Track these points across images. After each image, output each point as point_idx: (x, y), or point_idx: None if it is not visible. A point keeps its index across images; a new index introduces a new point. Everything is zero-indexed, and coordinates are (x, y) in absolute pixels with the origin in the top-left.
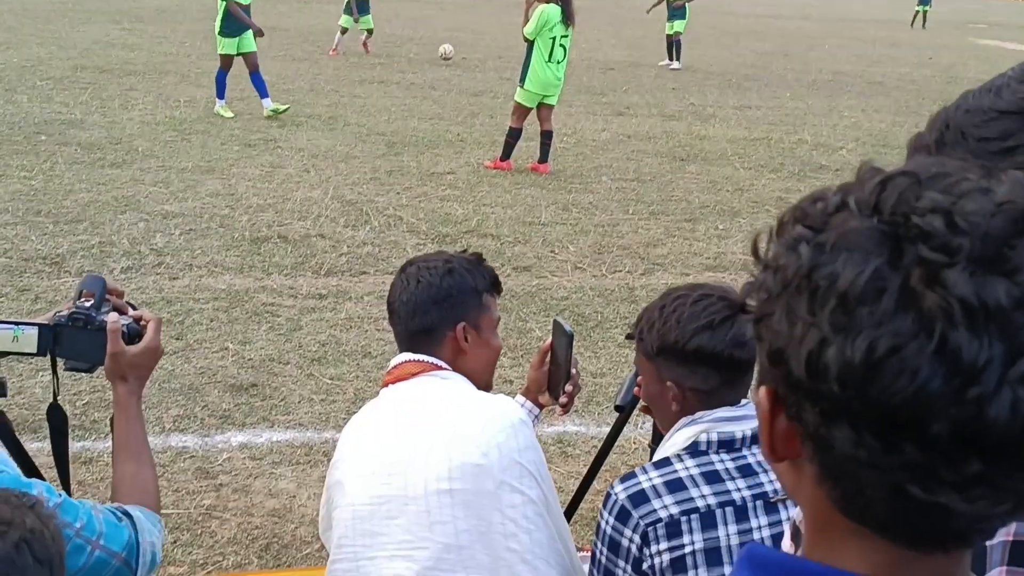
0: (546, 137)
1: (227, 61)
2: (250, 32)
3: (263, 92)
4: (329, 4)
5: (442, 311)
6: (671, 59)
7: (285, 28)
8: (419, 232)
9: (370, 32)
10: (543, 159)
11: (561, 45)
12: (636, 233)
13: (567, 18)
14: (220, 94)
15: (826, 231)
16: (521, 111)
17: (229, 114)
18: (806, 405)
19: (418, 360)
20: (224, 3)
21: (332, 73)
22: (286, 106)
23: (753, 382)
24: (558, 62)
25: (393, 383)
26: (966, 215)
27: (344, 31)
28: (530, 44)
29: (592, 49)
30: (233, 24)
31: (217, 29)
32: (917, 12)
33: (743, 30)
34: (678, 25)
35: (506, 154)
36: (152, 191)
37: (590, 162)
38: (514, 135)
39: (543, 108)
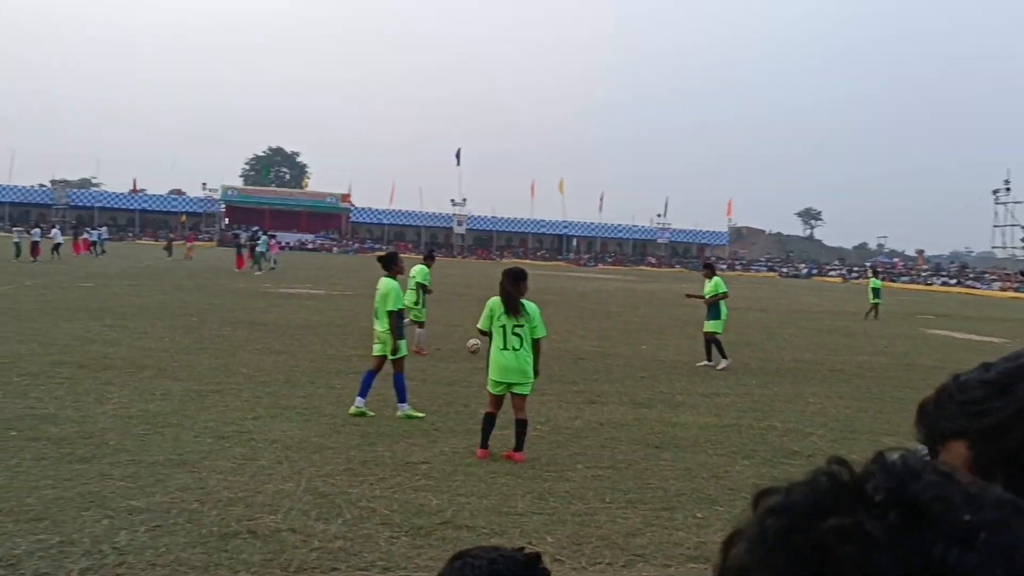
0: (519, 426)
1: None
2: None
3: (402, 396)
4: (308, 300)
5: None
6: (709, 358)
7: (263, 323)
8: (392, 524)
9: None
10: (518, 447)
11: (515, 334)
12: (614, 523)
13: (509, 309)
14: (401, 398)
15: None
16: (490, 397)
17: (420, 415)
18: None
19: None
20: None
21: (309, 365)
22: (422, 414)
23: None
24: (514, 349)
25: None
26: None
27: (421, 324)
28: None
29: (562, 340)
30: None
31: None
32: (874, 305)
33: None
34: (714, 324)
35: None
36: (120, 486)
37: (565, 449)
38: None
39: (515, 397)
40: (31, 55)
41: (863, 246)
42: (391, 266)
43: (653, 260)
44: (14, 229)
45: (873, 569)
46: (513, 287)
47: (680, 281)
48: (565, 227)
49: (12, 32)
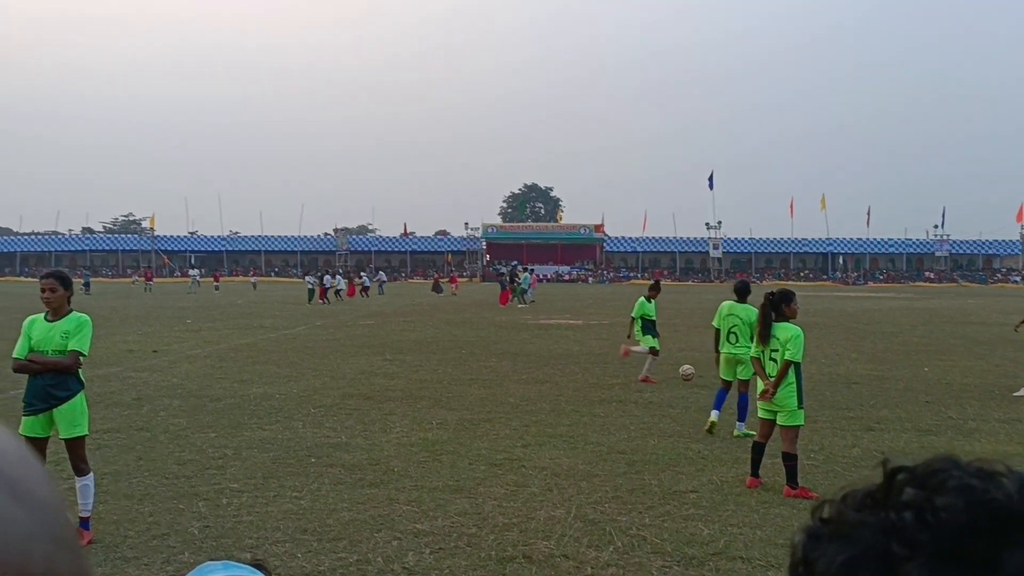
0: (784, 459)
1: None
2: None
3: (742, 415)
4: (567, 331)
5: None
6: None
7: (527, 353)
8: (664, 553)
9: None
10: (788, 481)
11: (772, 359)
12: None
13: (762, 335)
14: (741, 416)
15: (828, 524)
16: (759, 424)
17: (752, 433)
18: None
19: None
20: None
21: (572, 394)
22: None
23: None
24: (771, 377)
25: None
26: (936, 510)
27: (655, 351)
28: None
29: (832, 364)
30: None
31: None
32: None
33: (996, 338)
34: None
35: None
36: (405, 510)
37: (842, 479)
38: (791, 459)
39: (781, 428)
40: (314, 117)
41: None
42: (744, 295)
43: (931, 275)
44: (306, 277)
45: None
46: (773, 310)
47: (965, 296)
48: (829, 245)
49: (297, 100)
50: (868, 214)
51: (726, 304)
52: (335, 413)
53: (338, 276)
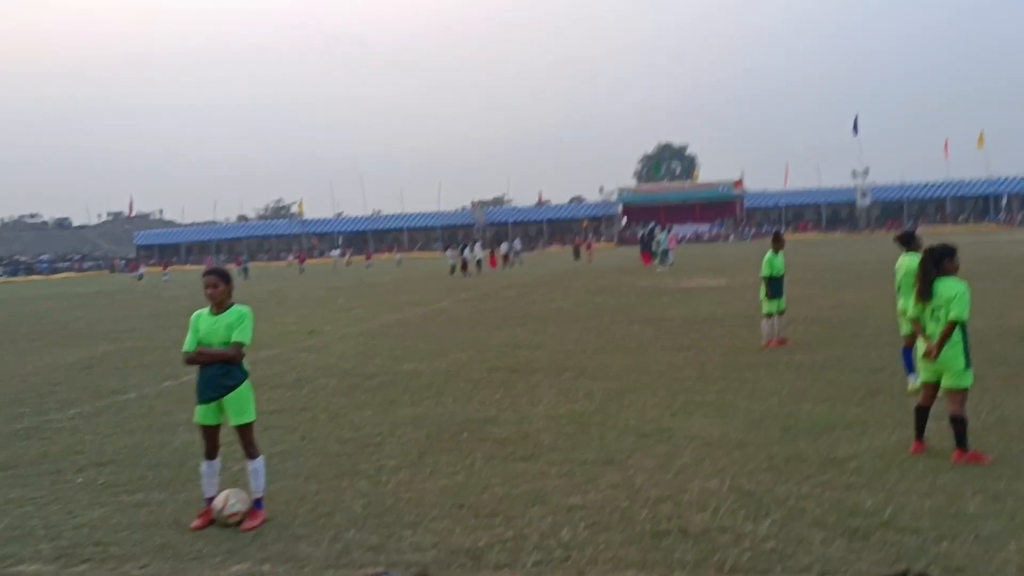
0: (952, 423)
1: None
2: None
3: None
4: (710, 293)
5: None
6: None
7: (670, 318)
8: (825, 525)
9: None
10: (959, 445)
11: (934, 318)
12: None
13: (922, 293)
14: (910, 367)
15: None
16: (922, 388)
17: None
18: None
19: None
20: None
21: (720, 359)
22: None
23: None
24: (933, 338)
25: None
26: None
27: (769, 316)
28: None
29: (1001, 316)
30: None
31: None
32: None
33: None
34: None
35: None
36: (557, 484)
37: (1020, 443)
38: (960, 423)
39: (947, 391)
40: (448, 97)
41: None
42: (910, 244)
43: None
44: (447, 251)
45: None
46: (934, 266)
47: None
48: (990, 186)
49: (428, 77)
50: None
51: (905, 259)
52: (483, 387)
53: (477, 246)
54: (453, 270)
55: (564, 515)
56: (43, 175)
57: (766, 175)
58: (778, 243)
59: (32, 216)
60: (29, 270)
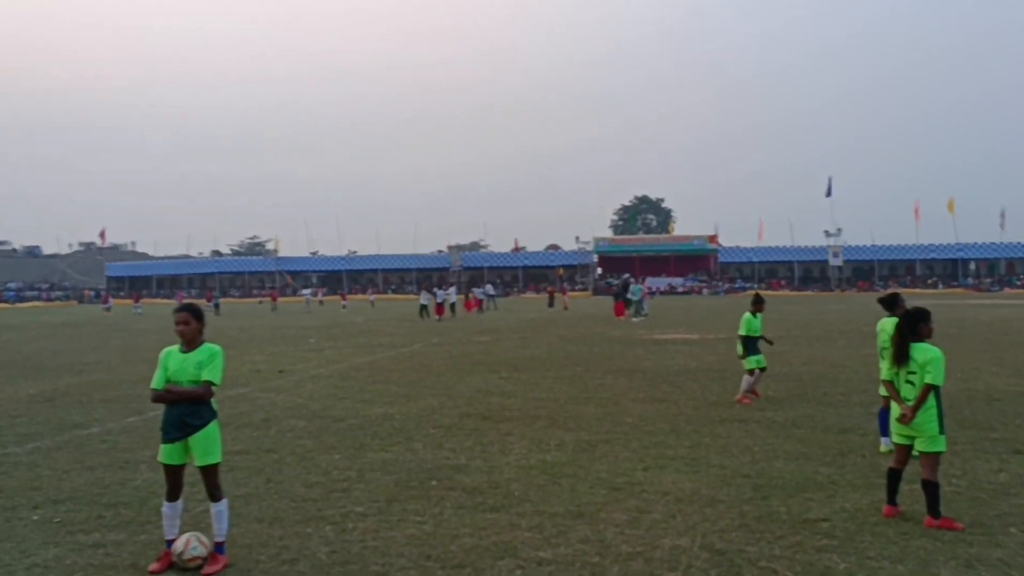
0: (924, 487)
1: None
2: None
3: (883, 431)
4: (683, 345)
5: None
6: None
7: (643, 370)
8: None
9: (760, 370)
10: (930, 511)
11: (908, 382)
12: None
13: (899, 357)
14: (883, 431)
15: None
16: (894, 449)
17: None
18: None
19: None
20: None
21: (692, 412)
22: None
23: None
24: (907, 401)
25: None
26: None
27: (751, 372)
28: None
29: (970, 378)
30: None
31: None
32: None
33: None
34: None
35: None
36: (527, 536)
37: (990, 509)
38: (932, 487)
39: (921, 454)
40: (427, 140)
41: None
42: (893, 307)
43: None
44: (422, 294)
45: None
46: (909, 330)
47: None
48: (959, 250)
49: (410, 121)
50: (1003, 216)
51: (887, 321)
52: (454, 434)
53: (452, 290)
54: (422, 312)
55: (534, 569)
56: (13, 202)
57: (740, 231)
58: (758, 305)
59: (1, 243)
60: None
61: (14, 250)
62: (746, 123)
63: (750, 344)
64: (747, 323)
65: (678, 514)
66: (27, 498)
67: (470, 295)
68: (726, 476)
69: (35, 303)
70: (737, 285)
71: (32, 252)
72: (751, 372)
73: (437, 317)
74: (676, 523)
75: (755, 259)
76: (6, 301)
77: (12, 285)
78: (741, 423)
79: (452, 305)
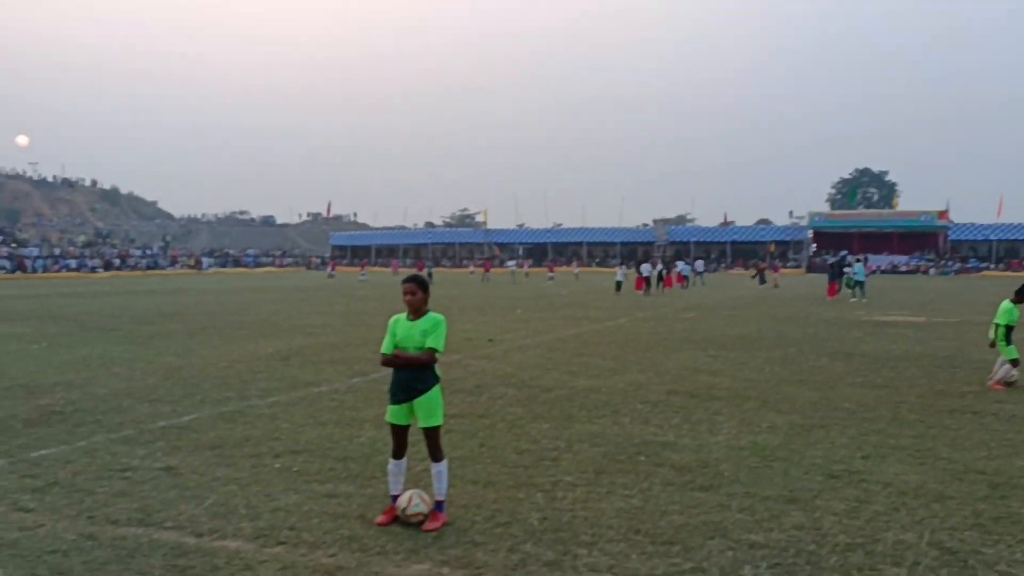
0: None
1: None
2: None
3: None
4: (906, 329)
5: None
6: None
7: (861, 353)
8: None
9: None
10: None
11: None
12: None
13: None
14: None
15: None
16: None
17: None
18: None
19: None
20: None
21: (916, 401)
22: None
23: None
24: None
25: None
26: None
27: (1015, 363)
28: None
29: None
30: None
31: None
32: None
33: None
34: None
35: None
36: (738, 518)
37: None
38: None
39: None
40: (635, 117)
41: None
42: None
43: None
44: (619, 267)
45: None
46: None
47: None
48: None
49: (610, 101)
50: None
51: None
52: (661, 410)
53: (659, 264)
54: (619, 287)
55: (745, 552)
56: (252, 176)
57: (976, 208)
58: (1021, 296)
59: (241, 213)
60: (236, 263)
61: (252, 219)
62: (983, 86)
63: (1009, 335)
64: (1008, 312)
65: (902, 507)
66: (269, 447)
67: (671, 270)
68: (957, 471)
69: (269, 268)
70: (971, 265)
71: (267, 222)
72: (1014, 362)
73: (640, 292)
74: (900, 517)
75: (992, 237)
76: (245, 266)
77: (251, 251)
78: (975, 415)
79: (659, 279)
